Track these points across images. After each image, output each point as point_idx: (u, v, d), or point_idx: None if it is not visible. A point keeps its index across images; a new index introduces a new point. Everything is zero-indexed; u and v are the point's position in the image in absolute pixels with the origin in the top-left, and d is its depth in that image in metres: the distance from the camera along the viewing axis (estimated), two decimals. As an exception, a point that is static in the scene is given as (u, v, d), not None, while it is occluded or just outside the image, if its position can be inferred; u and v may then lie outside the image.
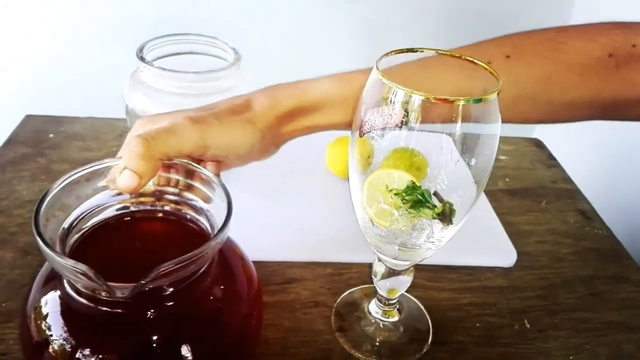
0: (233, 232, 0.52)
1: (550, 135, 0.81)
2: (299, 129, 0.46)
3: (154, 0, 0.82)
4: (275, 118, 0.43)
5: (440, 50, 0.37)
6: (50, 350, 0.31)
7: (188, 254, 0.29)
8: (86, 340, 0.31)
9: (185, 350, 0.32)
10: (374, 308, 0.46)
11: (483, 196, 0.61)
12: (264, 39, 0.85)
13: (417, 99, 0.32)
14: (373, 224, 0.37)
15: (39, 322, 0.32)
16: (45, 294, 0.33)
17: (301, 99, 0.44)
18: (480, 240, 0.54)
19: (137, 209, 0.38)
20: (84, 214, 0.36)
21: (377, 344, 0.44)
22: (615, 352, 0.46)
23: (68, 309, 0.32)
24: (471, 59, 0.36)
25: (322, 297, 0.48)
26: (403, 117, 0.33)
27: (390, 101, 0.33)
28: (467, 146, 0.34)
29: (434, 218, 0.35)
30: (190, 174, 0.38)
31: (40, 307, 0.32)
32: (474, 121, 0.33)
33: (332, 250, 0.52)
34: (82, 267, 0.28)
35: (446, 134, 0.33)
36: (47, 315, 0.32)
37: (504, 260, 0.53)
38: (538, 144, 0.76)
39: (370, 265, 0.44)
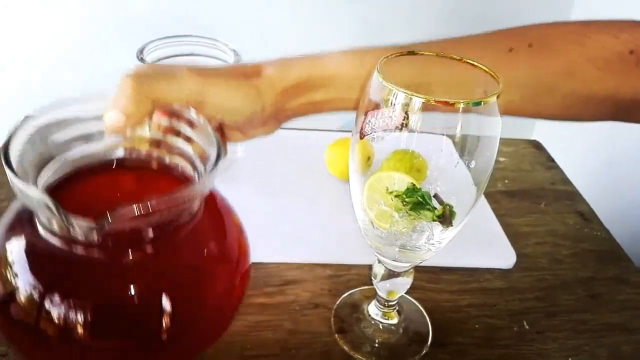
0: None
1: (550, 137, 0.81)
2: (305, 105, 0.44)
3: (155, 2, 0.82)
4: (282, 89, 0.42)
5: (441, 53, 0.37)
6: (19, 297, 0.29)
7: (161, 197, 0.28)
8: (56, 285, 0.29)
9: (160, 301, 0.30)
10: (373, 309, 0.46)
11: (482, 198, 0.61)
12: (264, 40, 0.85)
13: (417, 101, 0.32)
14: (373, 226, 0.38)
15: (6, 268, 0.30)
16: (12, 237, 0.32)
17: (312, 72, 0.42)
18: (479, 242, 0.54)
19: (128, 156, 0.37)
20: (71, 155, 0.34)
21: (377, 345, 0.44)
22: (614, 353, 0.46)
23: (37, 253, 0.31)
24: (471, 61, 0.36)
25: (322, 299, 0.48)
26: (403, 119, 0.33)
27: (391, 103, 0.33)
28: (467, 148, 0.34)
29: (434, 220, 0.35)
30: (191, 124, 0.36)
31: (7, 252, 0.31)
32: (474, 124, 0.33)
33: (332, 251, 0.52)
34: (44, 198, 0.26)
35: (446, 135, 0.33)
36: (14, 260, 0.31)
37: (503, 261, 0.54)
38: (537, 146, 0.76)
39: (370, 267, 0.44)
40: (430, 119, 0.33)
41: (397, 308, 0.46)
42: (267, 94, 0.41)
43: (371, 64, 0.36)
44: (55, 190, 0.33)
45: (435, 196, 0.35)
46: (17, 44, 0.85)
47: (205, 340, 0.36)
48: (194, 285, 0.33)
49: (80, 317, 0.29)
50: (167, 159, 0.37)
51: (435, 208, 0.35)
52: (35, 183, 0.31)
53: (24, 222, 0.32)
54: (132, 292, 0.31)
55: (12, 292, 0.30)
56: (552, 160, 0.73)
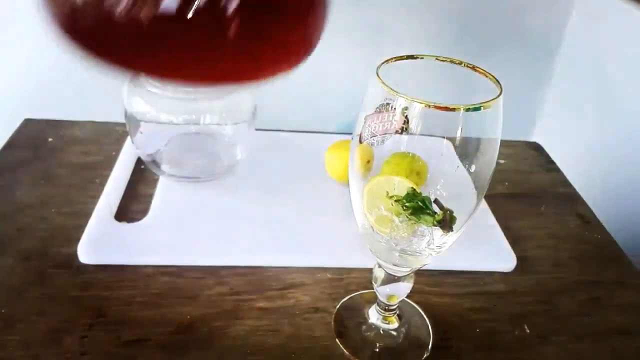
0: (233, 236, 0.52)
1: (549, 139, 0.81)
2: None
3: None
4: None
5: (440, 57, 0.37)
6: None
7: None
8: None
9: None
10: (374, 314, 0.46)
11: (482, 201, 0.61)
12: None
13: (417, 106, 0.32)
14: (373, 231, 0.37)
15: None
16: None
17: None
18: (479, 245, 0.54)
19: None
20: None
21: (378, 350, 0.44)
22: (615, 356, 0.46)
23: None
24: (472, 65, 0.36)
25: (322, 303, 0.48)
26: (403, 124, 0.33)
27: (391, 107, 0.33)
28: (467, 152, 0.34)
29: (434, 225, 0.35)
30: None
31: None
32: (474, 128, 0.33)
33: (332, 255, 0.52)
34: None
35: (446, 139, 0.33)
36: None
37: (504, 265, 0.53)
38: (537, 148, 0.76)
39: (370, 270, 0.44)
40: (430, 123, 0.33)
41: (397, 312, 0.46)
42: None
43: None
44: None
45: (436, 201, 0.35)
46: (16, 46, 0.85)
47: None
48: None
49: None
50: None
51: (436, 213, 0.35)
52: None
53: None
54: None
55: None
56: (552, 163, 0.73)
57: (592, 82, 0.84)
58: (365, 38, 0.85)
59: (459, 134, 0.33)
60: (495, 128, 0.34)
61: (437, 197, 0.35)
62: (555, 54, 0.93)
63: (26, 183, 0.58)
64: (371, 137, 0.35)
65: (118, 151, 0.64)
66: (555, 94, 0.95)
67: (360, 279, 0.50)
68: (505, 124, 0.35)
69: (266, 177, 0.62)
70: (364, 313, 0.47)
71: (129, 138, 0.62)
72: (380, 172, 0.36)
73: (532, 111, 0.99)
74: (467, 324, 0.47)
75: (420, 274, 0.49)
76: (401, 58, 0.37)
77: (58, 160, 0.62)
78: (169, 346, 0.42)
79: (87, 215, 0.53)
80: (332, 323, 0.46)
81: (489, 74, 0.35)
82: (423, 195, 0.35)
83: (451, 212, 0.35)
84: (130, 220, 0.54)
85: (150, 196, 0.57)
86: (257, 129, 0.62)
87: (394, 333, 0.46)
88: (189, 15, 0.27)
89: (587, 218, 0.62)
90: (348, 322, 0.46)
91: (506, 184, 0.67)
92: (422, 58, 0.37)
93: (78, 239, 0.50)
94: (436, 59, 0.37)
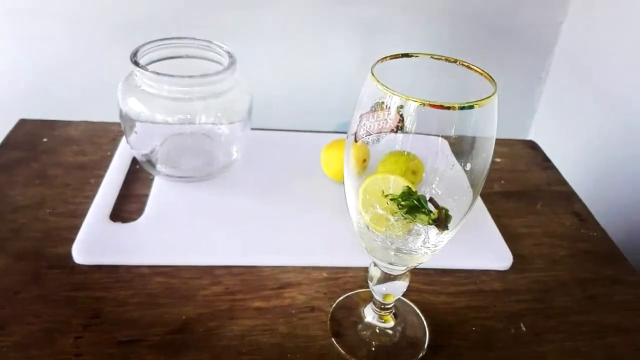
0: (228, 236, 0.52)
1: (545, 137, 0.81)
2: None
3: (148, 4, 0.81)
4: None
5: (435, 55, 0.37)
6: None
7: None
8: None
9: None
10: (370, 313, 0.46)
11: (478, 199, 0.61)
12: (258, 42, 0.85)
13: (412, 105, 0.32)
14: (369, 229, 0.37)
15: None
16: None
17: None
18: (475, 243, 0.54)
19: None
20: None
21: (374, 349, 0.44)
22: (611, 354, 0.46)
23: None
24: (467, 63, 0.36)
25: (318, 302, 0.48)
26: (398, 122, 0.33)
27: (386, 106, 0.33)
28: (462, 150, 0.34)
29: (429, 224, 0.35)
30: None
31: None
32: (470, 126, 0.33)
33: (328, 254, 0.52)
34: None
35: (442, 137, 0.33)
36: None
37: (500, 263, 0.53)
38: (533, 146, 0.76)
39: (366, 269, 0.44)
40: (426, 121, 0.33)
41: (393, 311, 0.46)
42: None
43: None
44: None
45: (431, 200, 0.35)
46: (10, 47, 0.85)
47: None
48: None
49: None
50: None
51: (431, 211, 0.35)
52: None
53: None
54: None
55: None
56: (548, 161, 0.73)
57: (588, 80, 0.84)
58: (360, 37, 0.85)
59: (454, 133, 0.33)
60: (490, 126, 0.34)
61: (433, 196, 0.35)
62: (551, 52, 0.93)
63: (21, 183, 0.58)
64: (366, 136, 0.35)
65: (113, 151, 0.64)
66: (551, 92, 0.96)
67: (356, 278, 0.50)
68: (502, 122, 0.35)
69: (262, 176, 0.62)
70: (359, 312, 0.47)
71: (124, 138, 0.61)
72: (376, 170, 0.36)
73: (529, 109, 0.99)
74: (463, 322, 0.47)
75: (416, 272, 0.49)
76: (396, 56, 0.37)
77: (53, 160, 0.62)
78: (164, 346, 0.42)
79: (82, 215, 0.53)
80: (328, 322, 0.46)
81: (485, 72, 0.35)
82: (418, 193, 0.35)
83: (446, 210, 0.35)
84: (126, 220, 0.53)
85: (146, 196, 0.57)
86: (252, 129, 0.61)
87: (390, 332, 0.46)
88: None
89: (583, 216, 0.62)
90: (344, 321, 0.46)
91: (502, 182, 0.67)
92: (417, 56, 0.37)
93: (73, 239, 0.50)
94: (431, 57, 0.37)
